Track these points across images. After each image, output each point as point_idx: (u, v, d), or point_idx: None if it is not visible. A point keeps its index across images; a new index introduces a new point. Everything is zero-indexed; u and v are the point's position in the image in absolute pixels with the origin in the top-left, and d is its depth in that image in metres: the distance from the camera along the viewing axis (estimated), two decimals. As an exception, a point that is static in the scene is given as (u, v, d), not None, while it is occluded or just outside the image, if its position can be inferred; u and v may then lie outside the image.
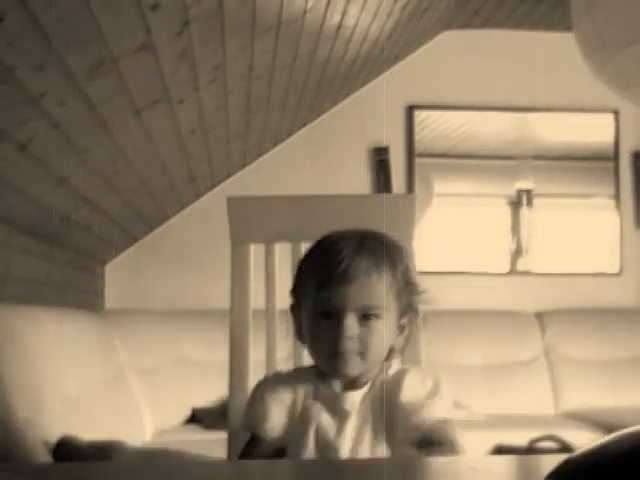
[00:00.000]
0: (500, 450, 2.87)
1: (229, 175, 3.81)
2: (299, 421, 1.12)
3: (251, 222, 1.45)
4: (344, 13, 2.59)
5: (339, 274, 1.07)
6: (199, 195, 3.79)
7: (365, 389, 1.13)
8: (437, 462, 0.96)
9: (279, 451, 1.14)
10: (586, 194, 4.08)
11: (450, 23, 3.86)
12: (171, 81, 2.13)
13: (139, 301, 3.69)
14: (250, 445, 1.17)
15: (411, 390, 1.12)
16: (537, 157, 4.02)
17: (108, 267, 3.79)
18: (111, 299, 3.75)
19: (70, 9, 1.46)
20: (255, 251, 1.45)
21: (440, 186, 3.99)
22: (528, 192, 4.00)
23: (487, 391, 3.52)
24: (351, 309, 1.08)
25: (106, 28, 1.60)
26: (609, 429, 2.71)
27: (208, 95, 2.46)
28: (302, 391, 1.14)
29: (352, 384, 1.13)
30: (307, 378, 1.15)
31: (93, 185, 2.57)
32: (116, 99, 2.02)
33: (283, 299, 1.31)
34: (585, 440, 2.03)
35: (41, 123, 1.86)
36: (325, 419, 1.11)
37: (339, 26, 2.71)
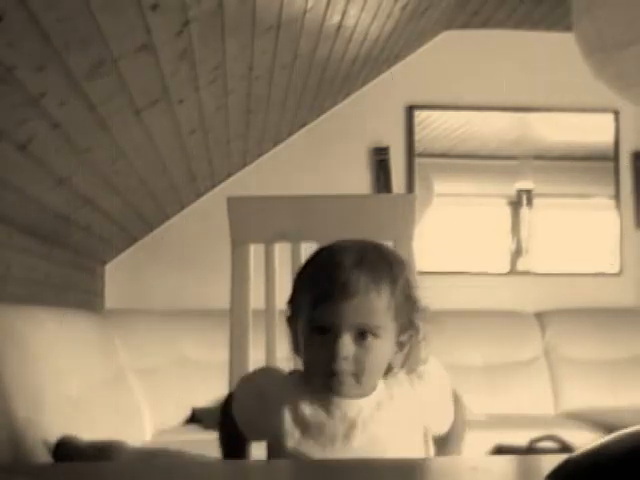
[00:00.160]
0: (500, 450, 2.87)
1: (229, 175, 3.81)
2: (300, 430, 1.09)
3: (251, 222, 1.45)
4: (344, 13, 2.59)
5: (337, 289, 1.03)
6: (199, 195, 3.79)
7: (371, 398, 1.10)
8: (437, 462, 0.96)
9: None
10: (586, 194, 4.08)
11: (450, 23, 3.86)
12: (171, 81, 2.13)
13: (139, 301, 3.69)
14: (227, 436, 1.18)
15: (439, 389, 1.14)
16: (537, 157, 4.02)
17: (108, 267, 3.79)
18: (111, 299, 3.75)
19: (70, 9, 1.46)
20: (255, 251, 1.45)
21: (440, 186, 3.99)
22: (528, 192, 4.00)
23: (487, 391, 3.52)
24: (347, 327, 1.04)
25: (106, 28, 1.60)
26: (609, 429, 2.71)
27: (208, 95, 2.46)
28: (298, 398, 1.10)
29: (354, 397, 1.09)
30: (303, 382, 1.11)
31: (93, 185, 2.57)
32: (116, 99, 2.02)
33: (283, 299, 1.31)
34: (585, 440, 2.03)
35: (41, 123, 1.86)
36: (328, 427, 1.08)
37: (339, 26, 2.71)
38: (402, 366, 1.13)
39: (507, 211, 4.02)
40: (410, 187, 3.94)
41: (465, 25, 3.92)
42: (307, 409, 1.09)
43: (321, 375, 1.06)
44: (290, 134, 3.88)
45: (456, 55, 3.97)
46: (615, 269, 4.01)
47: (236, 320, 1.41)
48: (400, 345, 1.11)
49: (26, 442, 1.70)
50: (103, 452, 1.68)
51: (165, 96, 2.22)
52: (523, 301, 3.90)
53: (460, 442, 1.19)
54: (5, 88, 1.59)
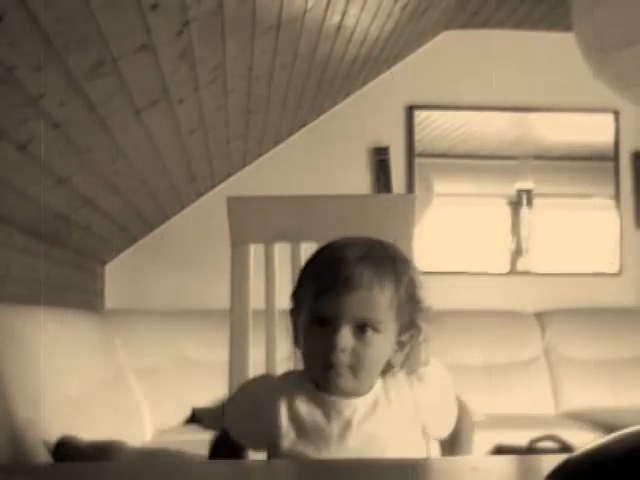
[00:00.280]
0: (500, 450, 2.87)
1: (229, 175, 3.81)
2: (295, 430, 1.09)
3: (251, 222, 1.45)
4: (344, 13, 2.59)
5: (339, 282, 1.04)
6: (199, 195, 3.79)
7: (368, 397, 1.10)
8: (437, 462, 0.96)
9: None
10: (586, 194, 4.08)
11: (450, 23, 3.86)
12: (171, 81, 2.13)
13: (139, 301, 3.69)
14: (219, 441, 1.17)
15: (440, 389, 1.14)
16: (537, 157, 4.02)
17: (108, 267, 3.79)
18: (111, 299, 3.75)
19: (70, 9, 1.46)
20: (255, 251, 1.45)
21: (440, 186, 3.99)
22: (528, 192, 4.00)
23: (487, 391, 3.51)
24: (347, 319, 1.04)
25: (106, 28, 1.60)
26: (609, 429, 2.71)
27: (208, 95, 2.46)
28: (295, 399, 1.10)
29: (351, 392, 1.09)
30: (300, 384, 1.11)
31: (93, 185, 2.57)
32: (116, 99, 2.02)
33: (283, 299, 1.31)
34: (585, 440, 2.03)
35: (41, 123, 1.86)
36: (323, 426, 1.08)
37: (339, 26, 2.71)
38: (402, 366, 1.12)
39: (507, 211, 4.02)
40: (410, 187, 3.94)
41: (465, 25, 3.92)
42: (303, 408, 1.09)
43: (319, 367, 1.06)
44: (290, 134, 3.88)
45: (456, 55, 3.97)
46: (615, 269, 4.01)
47: (236, 320, 1.41)
48: (401, 344, 1.10)
49: (26, 442, 1.70)
50: (103, 452, 1.68)
51: (165, 96, 2.22)
52: (523, 301, 3.90)
53: (470, 445, 1.19)
54: (5, 88, 1.59)
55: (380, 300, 1.05)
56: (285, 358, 1.36)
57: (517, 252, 3.99)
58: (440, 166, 4.02)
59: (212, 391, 3.06)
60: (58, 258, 2.88)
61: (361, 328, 1.05)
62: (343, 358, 1.04)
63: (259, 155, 3.86)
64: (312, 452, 1.07)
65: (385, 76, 3.96)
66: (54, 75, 1.67)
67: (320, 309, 1.06)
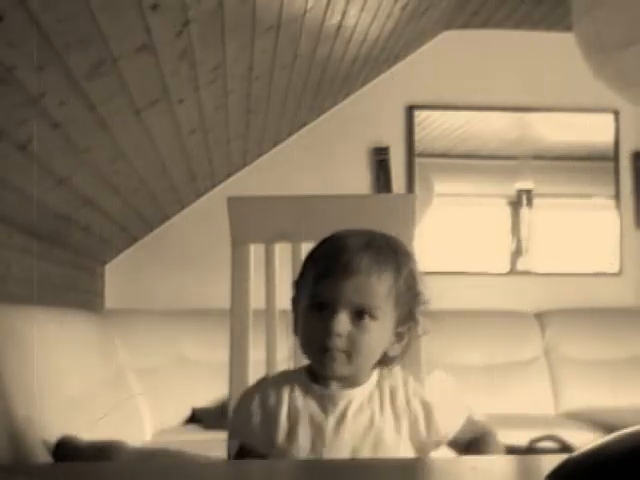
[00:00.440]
0: (500, 450, 2.86)
1: (229, 175, 3.81)
2: (291, 424, 1.10)
3: (251, 222, 1.45)
4: (344, 13, 2.59)
5: (338, 267, 1.06)
6: (199, 195, 3.79)
7: (364, 388, 1.11)
8: (437, 462, 0.96)
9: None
10: (586, 194, 4.08)
11: (450, 23, 3.86)
12: (171, 81, 2.13)
13: (139, 301, 3.69)
14: (240, 455, 1.16)
15: (439, 391, 1.14)
16: (537, 157, 4.02)
17: (108, 267, 3.79)
18: (111, 299, 3.75)
19: (70, 9, 1.46)
20: (255, 251, 1.45)
21: (440, 186, 3.99)
22: (528, 192, 4.00)
23: (487, 391, 3.51)
24: (345, 304, 1.05)
25: (106, 28, 1.60)
26: (609, 429, 2.71)
27: (208, 95, 2.46)
28: (292, 393, 1.12)
29: (347, 383, 1.11)
30: (297, 379, 1.13)
31: (93, 185, 2.57)
32: (116, 99, 2.02)
33: (283, 299, 1.31)
34: (585, 440, 2.03)
35: (41, 123, 1.86)
36: (319, 418, 1.09)
37: (339, 26, 2.71)
38: (400, 360, 1.14)
39: (507, 211, 4.02)
40: (410, 187, 3.94)
41: (465, 25, 3.92)
42: (299, 401, 1.10)
43: (315, 351, 1.08)
44: (290, 134, 3.88)
45: (456, 55, 3.97)
46: (615, 269, 4.01)
47: (236, 320, 1.41)
48: (398, 336, 1.12)
49: (26, 442, 1.70)
50: (103, 452, 1.68)
51: (165, 96, 2.22)
52: (523, 301, 3.90)
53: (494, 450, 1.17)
54: (5, 88, 1.59)
55: (378, 288, 1.07)
56: (285, 358, 1.36)
57: (517, 252, 3.99)
58: (440, 166, 4.02)
59: (212, 391, 3.06)
60: (58, 258, 2.88)
61: (359, 314, 1.06)
62: (339, 343, 1.06)
63: (259, 155, 3.86)
64: (307, 443, 1.08)
65: (385, 76, 3.96)
66: (54, 75, 1.67)
67: (319, 293, 1.07)
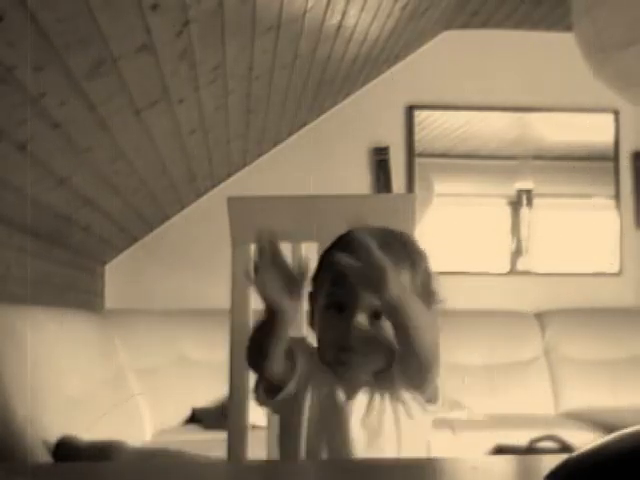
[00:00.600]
0: (500, 450, 2.87)
1: (229, 175, 3.81)
2: (306, 376, 1.12)
3: (251, 222, 1.45)
4: (344, 13, 2.59)
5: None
6: (199, 195, 3.79)
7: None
8: (437, 462, 0.96)
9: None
10: (586, 194, 4.08)
11: (450, 23, 3.86)
12: (171, 81, 2.13)
13: (139, 301, 3.69)
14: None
15: None
16: (537, 157, 4.02)
17: (108, 267, 3.79)
18: (111, 299, 3.75)
19: (70, 9, 1.46)
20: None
21: (440, 186, 3.99)
22: (528, 192, 4.00)
23: (487, 391, 3.52)
24: (363, 306, 1.07)
25: (106, 28, 1.60)
26: (609, 429, 2.71)
27: (208, 95, 2.46)
28: (309, 355, 1.13)
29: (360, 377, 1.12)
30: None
31: (93, 185, 2.57)
32: (116, 99, 2.02)
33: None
34: (585, 440, 2.03)
35: (41, 123, 1.86)
36: (332, 383, 1.10)
37: (339, 26, 2.71)
38: None
39: (507, 211, 4.02)
40: (410, 187, 3.94)
41: (465, 25, 3.92)
42: (317, 374, 1.11)
43: (332, 350, 1.10)
44: (290, 134, 3.88)
45: (456, 55, 3.97)
46: (615, 269, 4.01)
47: (236, 320, 1.41)
48: None
49: (26, 442, 1.70)
50: (103, 452, 1.68)
51: (165, 96, 2.22)
52: (523, 301, 3.90)
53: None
54: (5, 88, 1.59)
55: None
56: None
57: (517, 252, 3.99)
58: (440, 166, 4.02)
59: (212, 391, 3.06)
60: (58, 258, 2.88)
61: (376, 314, 1.08)
62: (357, 343, 1.07)
63: (259, 155, 3.86)
64: (326, 418, 1.09)
65: (385, 76, 3.95)
66: (54, 75, 1.67)
67: (337, 295, 1.09)
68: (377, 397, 1.10)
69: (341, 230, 1.15)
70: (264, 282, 1.05)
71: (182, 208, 3.81)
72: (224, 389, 1.39)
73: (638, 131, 4.05)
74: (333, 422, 1.09)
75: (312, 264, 1.18)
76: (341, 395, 1.10)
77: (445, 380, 1.14)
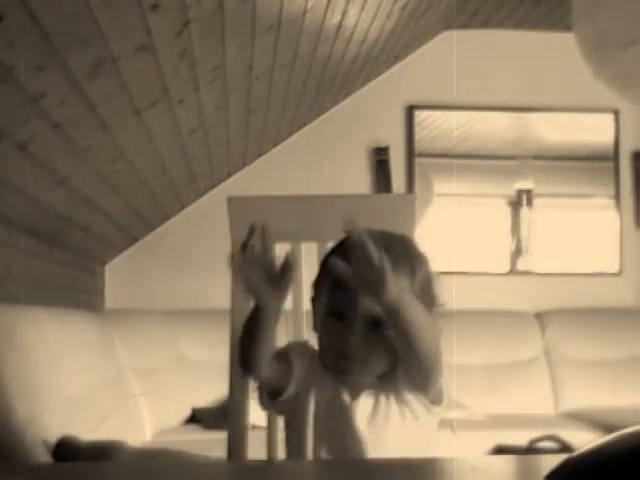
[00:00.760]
0: (500, 450, 2.87)
1: (229, 175, 3.81)
2: (307, 379, 1.13)
3: (251, 222, 1.45)
4: (344, 13, 2.59)
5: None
6: (199, 195, 3.79)
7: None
8: (437, 462, 0.96)
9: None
10: (586, 194, 4.08)
11: (450, 23, 3.86)
12: (171, 81, 2.13)
13: (139, 301, 3.69)
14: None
15: None
16: (537, 157, 4.02)
17: (108, 267, 3.79)
18: (111, 299, 3.75)
19: (70, 9, 1.46)
20: (255, 251, 1.45)
21: (440, 186, 3.99)
22: (528, 192, 4.00)
23: (487, 391, 3.52)
24: (363, 315, 1.08)
25: (106, 28, 1.60)
26: (609, 429, 2.70)
27: (208, 95, 2.46)
28: (309, 358, 1.15)
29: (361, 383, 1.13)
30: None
31: (93, 185, 2.57)
32: (116, 99, 2.02)
33: (283, 299, 1.31)
34: (585, 440, 2.03)
35: (41, 123, 1.86)
36: (335, 387, 1.11)
37: (339, 26, 2.71)
38: None
39: (507, 211, 4.02)
40: (410, 187, 3.94)
41: (465, 25, 3.92)
42: (317, 377, 1.13)
43: (332, 357, 1.10)
44: (290, 134, 3.88)
45: (456, 55, 3.97)
46: (615, 269, 4.01)
47: (236, 320, 1.41)
48: None
49: (26, 442, 1.70)
50: (103, 452, 1.68)
51: (165, 96, 2.22)
52: (523, 301, 3.90)
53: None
54: (5, 88, 1.59)
55: None
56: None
57: (517, 252, 3.99)
58: (440, 166, 4.02)
59: (212, 391, 3.06)
60: (58, 258, 2.88)
61: (375, 324, 1.08)
62: (357, 352, 1.08)
63: (259, 155, 3.86)
64: (332, 418, 1.09)
65: (385, 76, 3.95)
66: (54, 75, 1.67)
67: (337, 303, 1.10)
68: (382, 398, 1.10)
69: (341, 230, 1.15)
70: (249, 275, 1.06)
71: (182, 208, 3.81)
72: (224, 389, 1.39)
73: (638, 131, 4.05)
74: (340, 423, 1.09)
75: (312, 265, 1.18)
76: (346, 397, 1.10)
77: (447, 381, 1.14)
